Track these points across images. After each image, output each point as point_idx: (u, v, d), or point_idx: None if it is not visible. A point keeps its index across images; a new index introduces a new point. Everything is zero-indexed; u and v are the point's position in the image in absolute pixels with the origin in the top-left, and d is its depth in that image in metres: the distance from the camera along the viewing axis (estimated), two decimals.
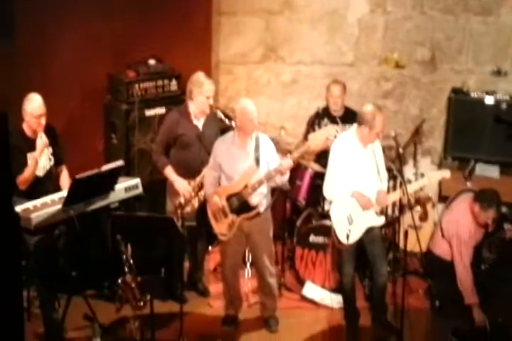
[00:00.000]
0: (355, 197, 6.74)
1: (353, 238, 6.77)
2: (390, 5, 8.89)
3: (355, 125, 6.79)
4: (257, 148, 6.80)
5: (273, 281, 7.12)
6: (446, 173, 6.89)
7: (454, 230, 7.16)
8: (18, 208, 6.23)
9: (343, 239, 6.77)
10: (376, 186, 6.83)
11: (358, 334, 7.06)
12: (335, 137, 6.82)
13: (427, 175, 6.98)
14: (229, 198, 6.77)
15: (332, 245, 7.37)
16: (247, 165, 6.77)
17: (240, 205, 6.77)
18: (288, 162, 6.63)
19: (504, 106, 8.44)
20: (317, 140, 6.74)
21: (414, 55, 9.01)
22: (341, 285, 7.11)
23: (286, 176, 6.84)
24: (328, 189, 6.85)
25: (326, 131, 6.79)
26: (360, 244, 6.88)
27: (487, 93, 8.57)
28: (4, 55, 7.56)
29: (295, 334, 7.07)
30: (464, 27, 8.84)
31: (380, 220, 6.92)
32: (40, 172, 6.80)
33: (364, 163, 6.80)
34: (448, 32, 8.87)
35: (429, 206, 8.26)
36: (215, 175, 6.85)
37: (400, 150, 7.05)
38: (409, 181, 7.40)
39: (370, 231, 6.85)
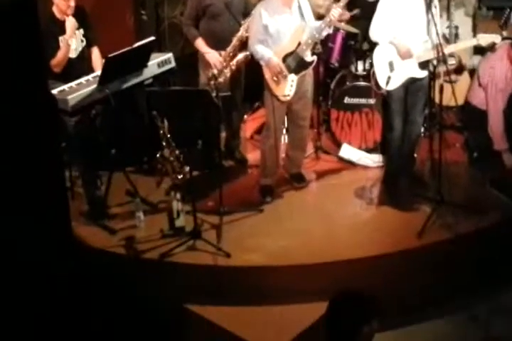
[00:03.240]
0: (395, 43, 6.55)
1: (393, 85, 6.59)
2: None
3: None
4: (299, 6, 6.67)
5: (306, 137, 7.08)
6: (497, 38, 6.57)
7: (490, 76, 7.00)
8: (55, 91, 6.20)
9: (382, 84, 6.62)
10: (423, 38, 6.58)
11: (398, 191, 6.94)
12: None
13: (478, 36, 6.63)
14: (284, 59, 6.65)
15: (377, 101, 7.28)
16: (294, 24, 6.63)
17: (297, 64, 6.65)
18: (337, 11, 6.49)
19: None
20: None
21: None
22: (389, 138, 6.90)
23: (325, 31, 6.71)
24: (373, 30, 6.66)
25: None
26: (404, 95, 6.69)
27: None
28: None
29: (333, 195, 7.04)
30: None
31: (422, 73, 6.67)
32: (73, 54, 6.67)
33: (416, 11, 6.54)
34: None
35: (464, 59, 8.00)
36: (261, 39, 6.65)
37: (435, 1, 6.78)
38: (444, 35, 7.17)
39: (414, 82, 6.66)
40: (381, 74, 6.65)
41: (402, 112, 6.73)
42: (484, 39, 6.57)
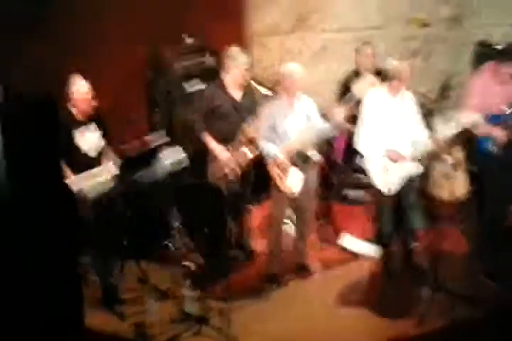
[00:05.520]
0: (387, 155, 6.76)
1: (393, 186, 6.78)
2: None
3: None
4: (304, 106, 6.94)
5: (310, 228, 7.26)
6: (476, 116, 6.71)
7: None
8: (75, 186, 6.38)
9: (382, 189, 6.79)
10: (410, 135, 6.81)
11: (393, 278, 7.09)
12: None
13: (456, 121, 6.74)
14: (290, 156, 6.85)
15: (371, 197, 7.38)
16: (299, 123, 6.88)
17: (303, 161, 6.88)
18: (341, 112, 6.77)
19: None
20: (362, 88, 6.86)
21: (438, 14, 8.92)
22: (380, 233, 7.11)
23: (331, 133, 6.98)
24: (361, 143, 6.87)
25: (367, 79, 6.89)
26: (397, 194, 6.87)
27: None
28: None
29: (336, 284, 7.11)
30: None
31: (418, 168, 6.87)
32: (93, 153, 6.85)
33: (395, 114, 6.80)
34: None
35: (459, 155, 8.19)
36: (269, 137, 6.89)
37: (430, 105, 7.04)
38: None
39: (407, 180, 6.84)
40: (379, 180, 6.83)
41: (392, 209, 6.94)
42: (467, 118, 6.69)
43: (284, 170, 6.86)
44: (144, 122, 8.26)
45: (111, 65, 7.94)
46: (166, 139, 6.87)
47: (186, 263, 6.45)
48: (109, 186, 6.56)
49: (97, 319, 6.38)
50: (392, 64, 6.74)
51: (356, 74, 8.08)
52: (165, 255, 6.93)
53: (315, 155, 6.93)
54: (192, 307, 6.45)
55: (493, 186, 7.01)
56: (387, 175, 6.77)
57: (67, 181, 6.29)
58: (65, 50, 7.62)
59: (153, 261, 7.22)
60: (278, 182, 6.91)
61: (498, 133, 6.81)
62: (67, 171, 6.51)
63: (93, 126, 6.85)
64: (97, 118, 6.89)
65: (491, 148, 6.89)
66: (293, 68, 6.85)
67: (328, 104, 8.11)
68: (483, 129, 6.85)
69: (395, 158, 6.78)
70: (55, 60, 7.37)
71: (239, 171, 7.23)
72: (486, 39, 8.61)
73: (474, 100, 6.88)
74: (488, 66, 7.00)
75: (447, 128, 6.81)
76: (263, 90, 7.42)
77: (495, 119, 6.82)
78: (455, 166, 8.05)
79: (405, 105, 6.86)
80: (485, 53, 8.45)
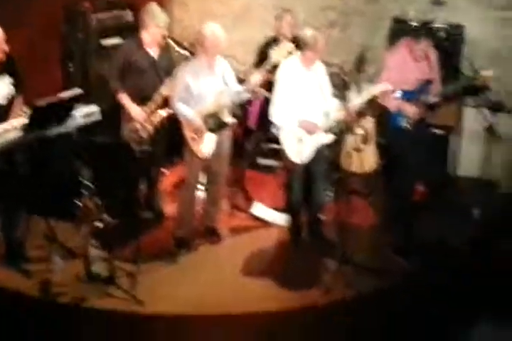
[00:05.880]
0: (301, 126, 6.72)
1: (305, 156, 6.76)
2: None
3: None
4: (222, 70, 6.82)
5: (221, 193, 7.18)
6: (385, 86, 6.75)
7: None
8: None
9: (296, 159, 6.76)
10: (322, 106, 6.78)
11: (301, 248, 7.11)
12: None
13: (366, 90, 6.85)
14: (205, 119, 6.72)
15: (283, 166, 7.34)
16: (216, 86, 6.74)
17: (217, 124, 6.74)
18: (257, 78, 6.67)
19: (442, 34, 8.37)
20: (280, 55, 6.76)
21: None
22: (289, 202, 7.10)
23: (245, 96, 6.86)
24: (275, 113, 6.80)
25: (286, 46, 6.80)
26: (307, 164, 6.86)
27: (426, 22, 8.46)
28: None
29: (246, 250, 7.07)
30: None
31: (329, 137, 6.87)
32: (4, 101, 6.64)
33: (309, 85, 6.76)
34: None
35: (370, 128, 8.24)
36: (184, 98, 6.72)
37: (345, 77, 7.02)
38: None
39: (316, 150, 6.84)
40: (292, 150, 6.79)
41: (301, 178, 6.91)
42: (374, 90, 6.76)
43: (199, 133, 6.74)
44: (58, 75, 7.99)
45: (28, 14, 7.65)
46: (80, 92, 6.61)
47: (95, 222, 6.30)
48: (14, 136, 6.28)
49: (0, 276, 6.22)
50: (308, 33, 6.67)
51: (274, 40, 8.00)
52: (74, 213, 6.70)
53: (230, 120, 6.82)
54: (99, 268, 6.34)
55: (402, 162, 7.05)
56: (301, 145, 6.72)
57: None
58: None
59: (61, 218, 7.00)
60: (191, 144, 6.79)
61: (410, 110, 6.87)
62: None
63: (4, 73, 6.55)
64: (8, 65, 6.58)
65: (403, 124, 6.95)
66: (215, 29, 6.66)
67: (245, 69, 8.08)
68: (395, 104, 6.91)
69: (311, 129, 6.74)
70: None
71: (152, 131, 7.12)
72: (401, 15, 8.64)
73: (389, 74, 6.91)
74: (404, 42, 7.04)
75: (358, 98, 6.88)
76: (181, 50, 7.22)
77: (408, 95, 6.87)
78: (365, 138, 8.12)
79: (318, 76, 6.82)
80: (401, 29, 8.48)
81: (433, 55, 7.02)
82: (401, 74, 6.87)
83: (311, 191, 7.03)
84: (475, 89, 7.20)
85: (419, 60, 6.93)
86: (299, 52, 6.73)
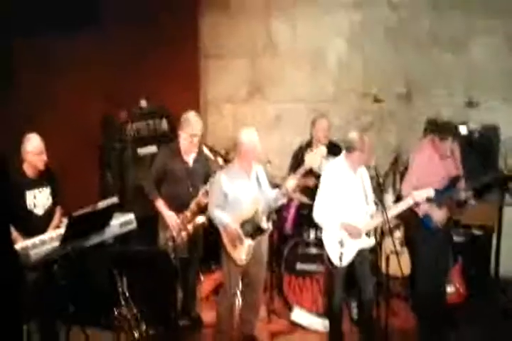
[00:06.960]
0: (344, 229, 6.65)
1: (346, 260, 6.65)
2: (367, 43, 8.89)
3: (343, 153, 6.76)
4: (257, 175, 6.84)
5: (259, 300, 7.07)
6: (429, 192, 6.62)
7: None
8: (18, 246, 6.14)
9: (336, 262, 6.65)
10: (365, 210, 6.75)
11: None
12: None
13: (413, 194, 6.64)
14: (242, 225, 6.71)
15: (325, 270, 7.16)
16: (252, 192, 6.75)
17: (254, 230, 6.72)
18: (292, 183, 6.66)
19: (476, 135, 8.35)
20: (313, 159, 6.75)
21: (391, 90, 8.98)
22: (330, 307, 6.93)
23: (280, 201, 6.84)
24: (319, 214, 6.74)
25: (320, 151, 6.79)
26: (349, 267, 6.75)
27: (461, 123, 8.46)
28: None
29: None
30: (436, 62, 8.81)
31: (371, 241, 6.80)
32: (40, 210, 6.71)
33: (354, 188, 6.74)
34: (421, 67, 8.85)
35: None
36: (220, 204, 6.72)
37: (380, 179, 6.97)
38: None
39: (360, 252, 6.75)
40: (333, 253, 6.69)
41: (343, 283, 6.78)
42: (419, 196, 6.65)
43: (236, 240, 6.70)
44: (95, 185, 8.08)
45: (65, 128, 7.81)
46: (115, 200, 6.65)
47: (133, 331, 6.22)
48: (52, 247, 6.29)
49: None
50: (354, 134, 6.67)
51: (308, 145, 8.03)
52: (111, 322, 6.62)
53: (266, 225, 6.78)
54: None
55: (429, 267, 6.96)
56: (343, 248, 6.63)
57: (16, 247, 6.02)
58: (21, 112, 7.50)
59: (99, 327, 6.92)
60: (229, 250, 6.74)
61: (439, 215, 6.83)
62: (15, 233, 6.25)
63: (44, 184, 6.69)
64: (47, 176, 6.73)
65: (433, 225, 6.87)
66: (251, 134, 6.74)
67: (279, 174, 8.10)
68: (425, 209, 6.84)
69: (354, 233, 6.68)
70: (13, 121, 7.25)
71: (188, 238, 7.12)
72: (436, 117, 8.64)
73: (415, 175, 6.87)
74: (428, 141, 7.02)
75: (399, 204, 6.79)
76: (217, 158, 7.31)
77: (438, 194, 6.79)
78: (402, 241, 8.02)
79: (363, 178, 6.80)
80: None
81: (457, 151, 6.99)
82: (427, 173, 6.83)
83: (360, 290, 6.87)
84: (504, 179, 7.17)
85: (444, 159, 6.90)
86: (345, 154, 6.73)
